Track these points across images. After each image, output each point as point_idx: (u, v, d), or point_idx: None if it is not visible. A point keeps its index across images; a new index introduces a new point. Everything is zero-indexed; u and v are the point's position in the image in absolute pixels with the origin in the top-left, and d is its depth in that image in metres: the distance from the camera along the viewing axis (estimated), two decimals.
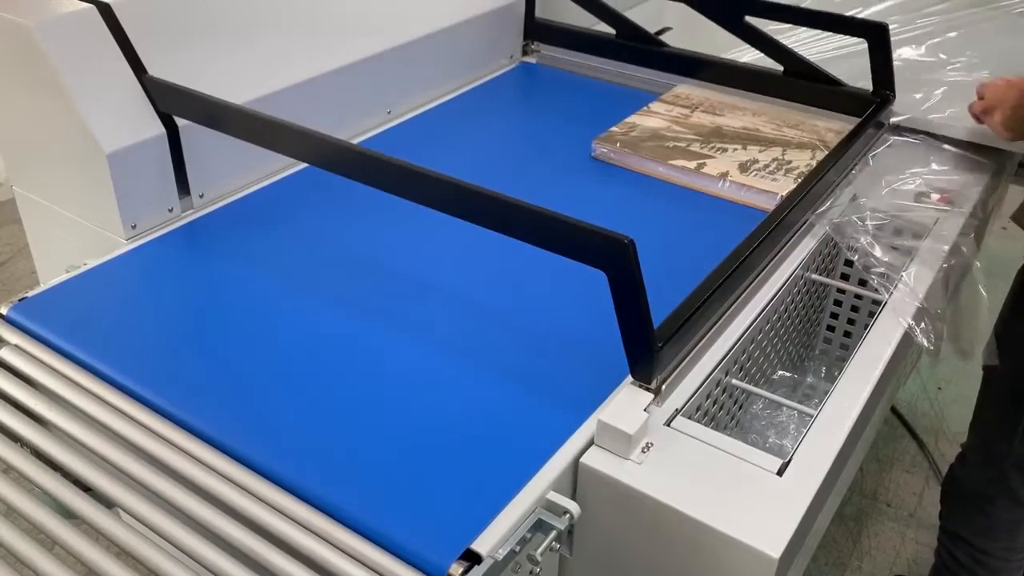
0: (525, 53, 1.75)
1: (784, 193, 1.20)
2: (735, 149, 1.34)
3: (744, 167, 1.29)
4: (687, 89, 1.56)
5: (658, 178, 1.32)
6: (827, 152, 1.30)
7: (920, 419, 2.17)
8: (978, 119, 1.29)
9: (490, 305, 1.04)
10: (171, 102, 1.13)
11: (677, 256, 1.14)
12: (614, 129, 1.40)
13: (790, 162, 1.30)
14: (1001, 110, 1.22)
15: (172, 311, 1.02)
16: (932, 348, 1.06)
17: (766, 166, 1.29)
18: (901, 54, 1.57)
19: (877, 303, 1.09)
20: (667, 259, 1.12)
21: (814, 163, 1.29)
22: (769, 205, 1.21)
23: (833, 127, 1.41)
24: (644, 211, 1.25)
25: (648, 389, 0.88)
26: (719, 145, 1.35)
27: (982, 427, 1.39)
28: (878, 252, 1.12)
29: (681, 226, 1.21)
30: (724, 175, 1.27)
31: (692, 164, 1.30)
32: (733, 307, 1.03)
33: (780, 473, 0.82)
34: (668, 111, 1.47)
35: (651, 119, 1.44)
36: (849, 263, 1.23)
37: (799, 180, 1.23)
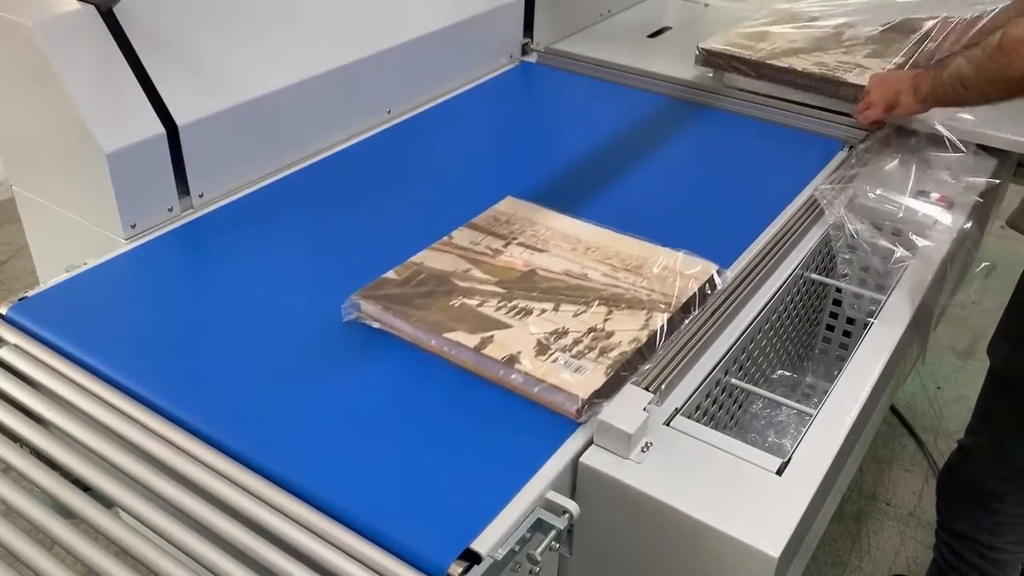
0: (525, 52, 1.75)
1: (586, 396, 0.85)
2: (543, 311, 0.98)
3: (544, 345, 0.92)
4: (512, 206, 1.19)
5: (432, 352, 0.96)
6: (670, 314, 0.97)
7: (919, 418, 2.17)
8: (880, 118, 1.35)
9: None
10: None
11: None
12: (390, 275, 1.03)
13: (611, 335, 0.94)
14: (906, 94, 1.29)
15: (171, 311, 1.02)
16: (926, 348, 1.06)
17: (575, 343, 0.93)
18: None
19: (876, 302, 1.09)
20: None
21: (644, 337, 0.93)
22: (568, 408, 0.86)
23: (692, 271, 1.05)
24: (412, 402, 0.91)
25: (647, 388, 0.88)
26: (524, 304, 0.99)
27: (994, 427, 1.38)
28: (876, 253, 1.12)
29: (451, 430, 0.87)
30: (512, 360, 0.90)
31: (475, 339, 0.93)
32: (732, 307, 1.03)
33: (780, 472, 0.82)
34: (474, 243, 1.10)
35: (445, 257, 1.07)
36: (855, 247, 1.23)
37: (612, 372, 0.88)
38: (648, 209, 1.26)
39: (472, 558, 0.72)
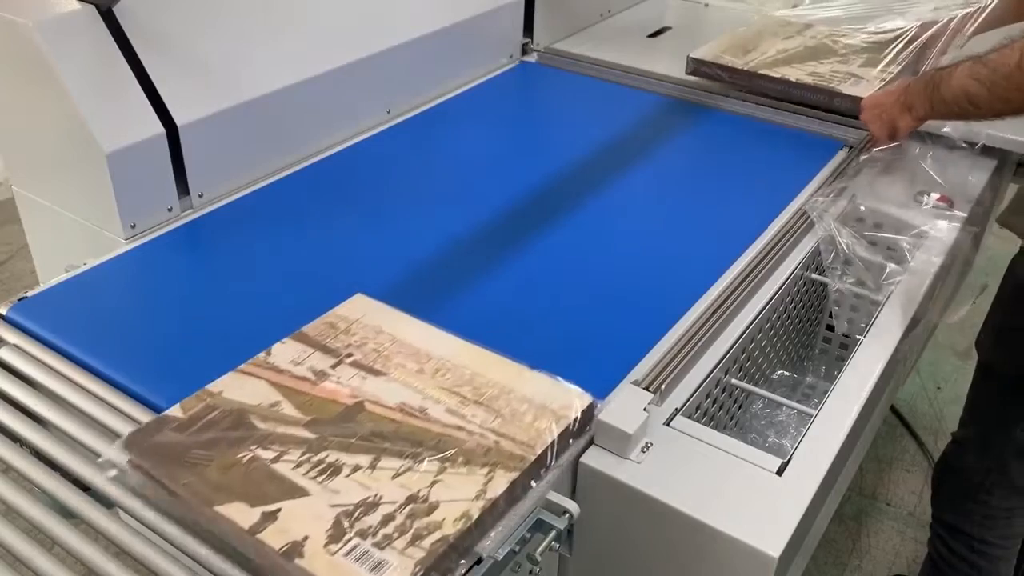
0: (525, 52, 1.75)
1: None
2: (356, 468, 0.75)
3: (342, 527, 0.70)
4: (359, 308, 0.95)
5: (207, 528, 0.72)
6: (516, 475, 0.75)
7: (920, 418, 2.17)
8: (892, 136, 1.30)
9: (491, 304, 1.04)
10: None
11: None
12: (174, 411, 0.81)
13: (434, 508, 0.71)
14: (902, 117, 1.25)
15: (171, 311, 1.02)
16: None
17: (385, 521, 0.70)
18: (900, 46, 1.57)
19: (876, 303, 1.09)
20: None
21: (476, 511, 0.71)
22: None
23: (557, 404, 0.82)
24: None
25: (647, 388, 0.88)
26: (334, 457, 0.76)
27: (981, 418, 1.40)
28: (870, 268, 1.09)
29: None
30: (293, 550, 0.68)
31: (254, 515, 0.70)
32: (732, 307, 1.03)
33: (780, 473, 0.82)
34: (296, 362, 0.86)
35: (252, 384, 0.84)
36: (848, 262, 1.23)
37: (421, 571, 0.66)
38: (639, 215, 1.26)
39: (472, 558, 0.72)
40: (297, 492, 0.72)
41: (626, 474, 0.81)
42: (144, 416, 0.85)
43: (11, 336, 0.95)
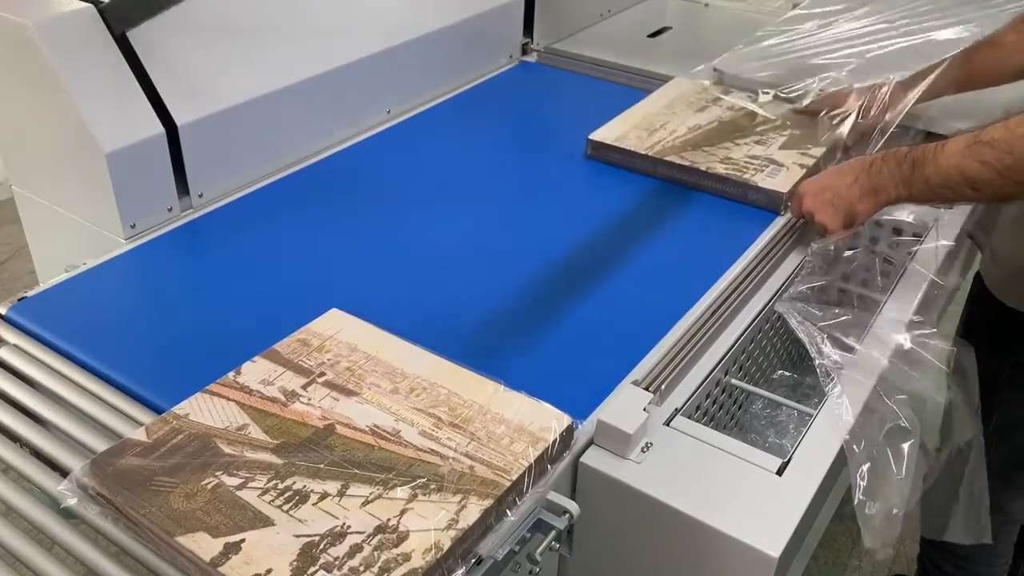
0: (524, 52, 1.75)
1: None
2: (323, 495, 0.73)
3: (309, 558, 0.68)
4: (333, 324, 0.92)
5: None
6: (491, 502, 0.72)
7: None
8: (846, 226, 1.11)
9: (491, 306, 1.04)
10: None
11: None
12: (138, 435, 0.78)
13: (403, 539, 0.69)
14: (863, 201, 1.08)
15: (171, 311, 1.02)
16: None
17: (352, 552, 0.68)
18: (896, 45, 1.53)
19: (877, 303, 1.09)
20: None
21: (447, 541, 0.69)
22: None
23: (536, 426, 0.80)
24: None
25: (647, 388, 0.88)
26: (302, 483, 0.74)
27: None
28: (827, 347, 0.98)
29: None
30: None
31: (216, 546, 0.69)
32: (732, 307, 1.03)
33: (780, 472, 0.82)
34: (266, 382, 0.84)
35: (219, 406, 0.82)
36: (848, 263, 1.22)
37: None
38: (639, 215, 1.26)
39: (473, 558, 0.72)
40: (261, 521, 0.70)
41: (626, 474, 0.81)
42: (144, 416, 0.85)
43: (11, 336, 0.95)
